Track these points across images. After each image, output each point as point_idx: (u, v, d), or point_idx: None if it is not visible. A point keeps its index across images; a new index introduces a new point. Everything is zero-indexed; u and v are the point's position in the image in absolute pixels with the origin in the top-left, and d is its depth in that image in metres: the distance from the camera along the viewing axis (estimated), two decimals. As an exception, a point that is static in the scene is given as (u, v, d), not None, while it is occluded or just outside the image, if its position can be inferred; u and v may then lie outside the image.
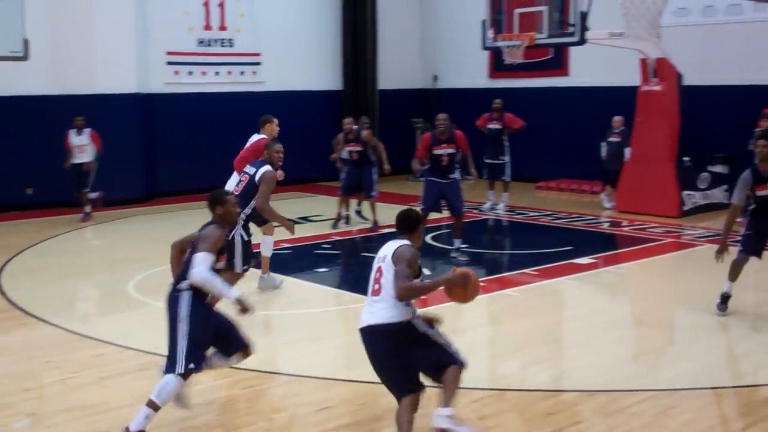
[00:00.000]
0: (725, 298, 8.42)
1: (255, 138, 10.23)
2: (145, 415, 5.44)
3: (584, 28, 13.07)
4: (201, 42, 17.63)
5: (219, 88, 17.93)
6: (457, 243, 11.30)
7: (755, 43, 15.45)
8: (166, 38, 17.10)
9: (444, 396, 5.16)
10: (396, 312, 5.20)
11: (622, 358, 7.52)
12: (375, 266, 5.39)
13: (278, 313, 9.20)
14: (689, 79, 14.73)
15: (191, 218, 14.77)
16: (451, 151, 11.26)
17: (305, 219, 14.05)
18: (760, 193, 8.14)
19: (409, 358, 5.22)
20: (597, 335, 8.20)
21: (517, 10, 14.25)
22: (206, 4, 17.62)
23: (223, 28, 17.92)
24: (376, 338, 5.25)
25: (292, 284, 10.19)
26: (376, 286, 5.32)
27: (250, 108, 17.82)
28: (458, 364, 5.22)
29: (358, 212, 14.23)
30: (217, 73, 17.93)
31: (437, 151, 11.17)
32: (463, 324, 8.60)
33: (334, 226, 13.49)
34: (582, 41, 13.28)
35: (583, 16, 12.94)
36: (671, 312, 9.10)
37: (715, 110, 15.79)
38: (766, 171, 8.09)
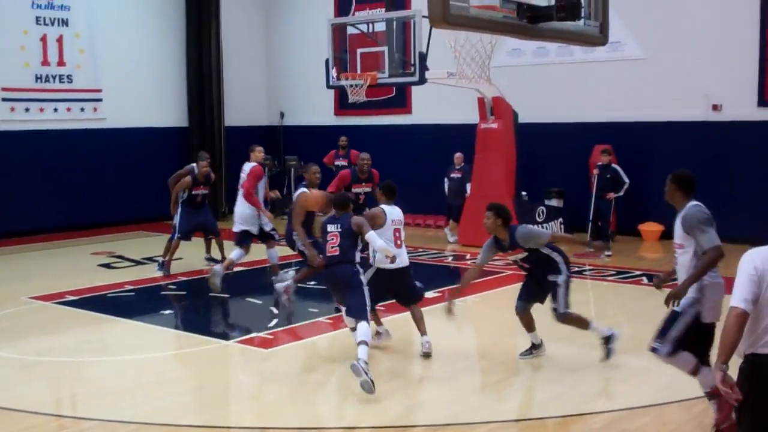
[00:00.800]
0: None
1: (248, 166, 11.94)
2: (365, 351, 7.21)
3: (424, 68, 13.44)
4: (38, 78, 17.08)
5: (58, 125, 17.40)
6: None
7: (585, 82, 16.34)
8: (2, 74, 16.48)
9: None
10: None
11: (469, 390, 7.72)
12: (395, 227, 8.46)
13: (122, 359, 8.99)
14: (524, 117, 15.38)
15: (28, 261, 14.41)
16: (368, 190, 11.51)
17: (150, 259, 13.77)
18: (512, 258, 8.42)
19: None
20: (443, 368, 8.41)
21: (360, 50, 14.51)
22: (44, 39, 17.10)
23: (61, 63, 17.43)
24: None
25: (137, 328, 10.00)
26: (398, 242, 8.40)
27: (91, 145, 17.48)
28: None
29: (208, 258, 13.53)
30: (55, 110, 17.40)
31: (356, 189, 11.45)
32: (310, 363, 8.65)
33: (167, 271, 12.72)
34: (422, 81, 13.65)
35: (423, 57, 13.31)
36: (514, 343, 9.41)
37: (550, 146, 16.56)
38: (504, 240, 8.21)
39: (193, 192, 12.68)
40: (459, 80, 14.01)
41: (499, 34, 10.98)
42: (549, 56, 16.60)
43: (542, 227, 15.38)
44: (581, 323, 8.23)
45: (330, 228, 8.00)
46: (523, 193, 15.64)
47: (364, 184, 11.61)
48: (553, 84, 16.64)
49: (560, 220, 15.78)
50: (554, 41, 12.28)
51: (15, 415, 6.86)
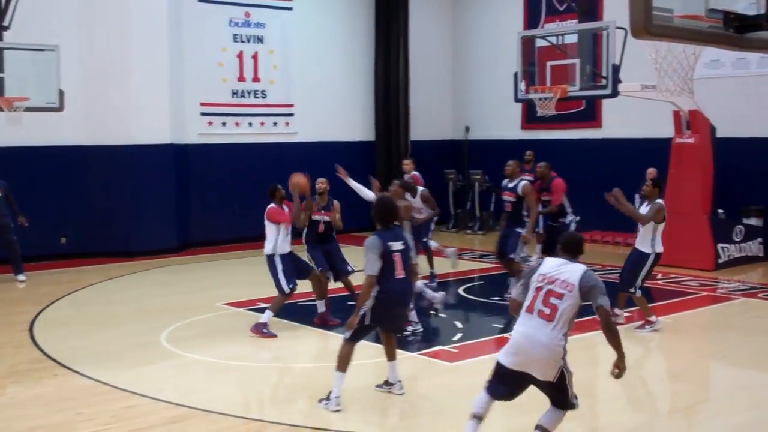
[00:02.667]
0: None
1: None
2: None
3: (616, 81, 13.05)
4: (234, 93, 17.84)
5: (252, 139, 18.11)
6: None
7: (789, 95, 15.38)
8: (201, 89, 17.32)
9: None
10: None
11: (658, 413, 7.38)
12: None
13: (309, 366, 9.18)
14: (722, 132, 14.66)
15: (224, 269, 15.03)
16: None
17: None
18: None
19: None
20: (632, 391, 8.07)
21: (550, 63, 14.25)
22: (240, 56, 17.86)
23: (256, 79, 18.13)
24: None
25: (325, 336, 10.19)
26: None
27: (283, 158, 18.04)
28: None
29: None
30: (250, 124, 18.12)
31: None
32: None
33: None
34: (614, 94, 13.26)
35: (615, 69, 12.93)
36: (707, 367, 8.93)
37: (749, 162, 15.68)
38: None
39: None
40: (659, 93, 13.49)
41: (703, 44, 10.43)
42: (750, 68, 15.74)
43: (739, 247, 14.62)
44: None
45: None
46: (720, 210, 14.88)
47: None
48: (754, 97, 15.75)
49: (760, 239, 14.91)
50: (764, 52, 11.64)
51: (208, 416, 7.11)
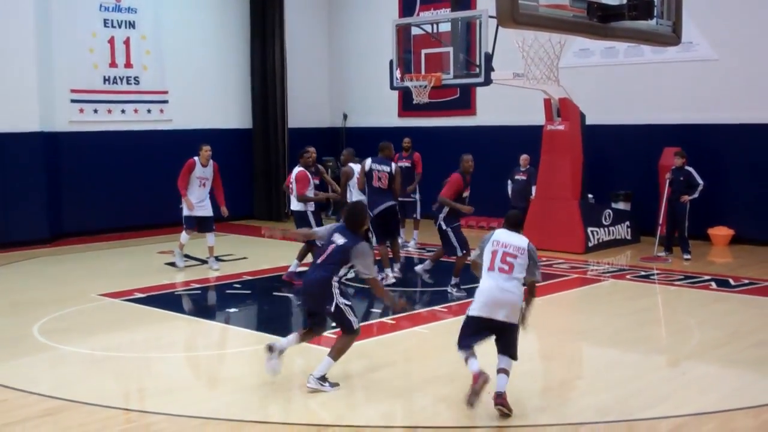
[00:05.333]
0: None
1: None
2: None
3: (489, 69, 13.34)
4: (106, 79, 17.39)
5: (126, 127, 17.70)
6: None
7: (654, 83, 16.06)
8: (71, 76, 16.81)
9: None
10: None
11: (531, 391, 7.64)
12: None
13: (189, 355, 9.10)
14: (592, 119, 15.18)
15: (98, 259, 14.67)
16: None
17: (217, 258, 13.90)
18: None
19: None
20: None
21: (424, 51, 14.45)
22: (111, 42, 17.41)
23: (129, 65, 17.72)
24: None
25: (202, 325, 10.13)
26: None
27: (157, 146, 17.74)
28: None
29: None
30: (123, 111, 17.70)
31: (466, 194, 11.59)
32: (376, 361, 8.63)
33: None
34: (487, 82, 13.53)
35: (488, 58, 13.21)
36: (578, 345, 9.28)
37: (617, 149, 16.32)
38: None
39: None
40: (526, 81, 13.88)
41: (568, 33, 10.86)
42: (618, 57, 16.36)
43: (608, 231, 15.20)
44: None
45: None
46: (590, 195, 15.43)
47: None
48: (622, 85, 16.40)
49: (627, 223, 15.54)
50: (626, 41, 12.14)
51: (85, 408, 6.97)
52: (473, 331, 7.03)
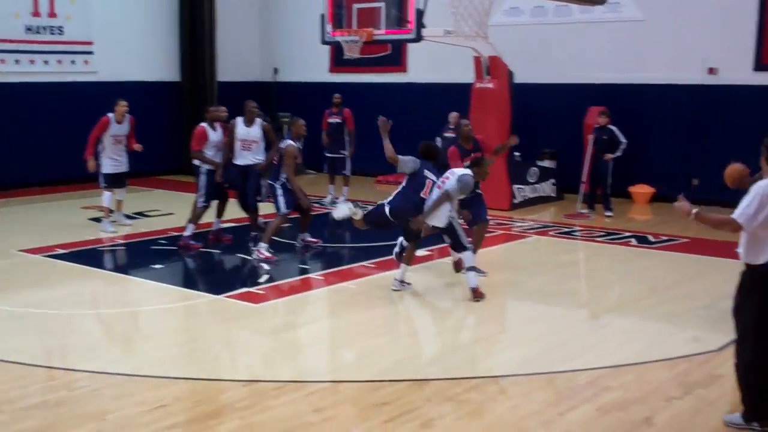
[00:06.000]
0: None
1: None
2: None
3: (420, 26, 13.33)
4: (29, 29, 16.89)
5: (49, 78, 17.26)
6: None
7: (582, 43, 16.24)
8: (-9, 25, 16.31)
9: None
10: None
11: (454, 346, 7.78)
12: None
13: (111, 312, 9.02)
14: (520, 77, 15.29)
15: (19, 214, 14.37)
16: None
17: (141, 214, 13.74)
18: None
19: None
20: (430, 325, 8.48)
21: (356, 6, 14.36)
22: (34, -10, 16.93)
23: (52, 14, 17.23)
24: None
25: (126, 282, 10.04)
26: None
27: (82, 98, 17.34)
28: None
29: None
30: (46, 62, 17.24)
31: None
32: (301, 318, 8.69)
33: None
34: (418, 38, 13.54)
35: (420, 14, 13.20)
36: (502, 300, 9.45)
37: (544, 107, 16.50)
38: None
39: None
40: (456, 38, 13.90)
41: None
42: (547, 16, 16.49)
43: (534, 188, 15.43)
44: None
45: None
46: (516, 153, 15.59)
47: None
48: (550, 44, 16.54)
49: (552, 181, 15.80)
50: (555, 0, 12.21)
51: (5, 366, 6.87)
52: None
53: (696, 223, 5.63)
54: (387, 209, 9.18)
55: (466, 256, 9.05)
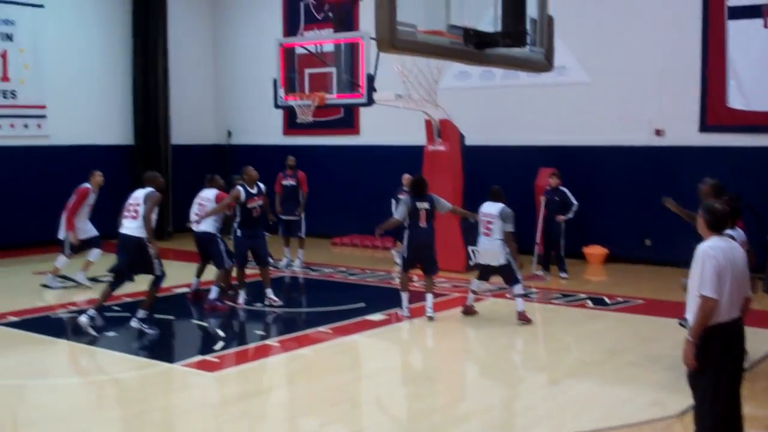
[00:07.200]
0: None
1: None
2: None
3: (372, 90, 13.50)
4: (-19, 93, 16.82)
5: (1, 142, 17.10)
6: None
7: (530, 105, 16.53)
8: (-58, 89, 16.18)
9: None
10: None
11: (415, 413, 7.75)
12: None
13: (62, 382, 8.86)
14: (471, 140, 15.49)
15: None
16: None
17: (93, 280, 13.58)
18: None
19: None
20: (391, 392, 8.44)
21: (308, 70, 14.55)
22: (-13, 54, 16.88)
23: (5, 78, 17.17)
24: None
25: (79, 350, 9.88)
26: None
27: (34, 162, 17.21)
28: None
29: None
30: (-1, 126, 17.14)
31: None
32: (260, 385, 8.61)
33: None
34: (370, 102, 13.70)
35: (370, 78, 13.37)
36: (460, 366, 9.46)
37: (495, 169, 16.67)
38: None
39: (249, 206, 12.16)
40: (407, 102, 14.11)
41: (445, 59, 11.10)
42: (495, 79, 16.77)
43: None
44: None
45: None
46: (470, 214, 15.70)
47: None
48: (499, 107, 16.81)
49: (506, 241, 15.90)
50: (500, 67, 12.48)
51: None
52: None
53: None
54: (405, 253, 10.98)
55: (517, 288, 10.84)
